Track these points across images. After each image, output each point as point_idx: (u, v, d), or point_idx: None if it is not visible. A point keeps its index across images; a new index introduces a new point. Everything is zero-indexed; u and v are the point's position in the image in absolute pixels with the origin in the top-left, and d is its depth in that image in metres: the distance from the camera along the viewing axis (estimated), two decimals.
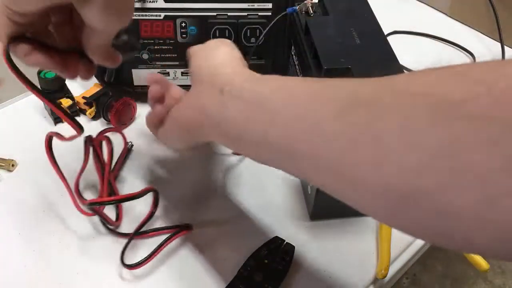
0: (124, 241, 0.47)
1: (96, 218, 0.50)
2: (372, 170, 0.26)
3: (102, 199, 0.49)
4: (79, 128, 0.41)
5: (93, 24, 0.33)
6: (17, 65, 0.36)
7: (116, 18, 0.33)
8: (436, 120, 0.23)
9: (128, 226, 0.49)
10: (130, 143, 0.57)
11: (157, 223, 0.49)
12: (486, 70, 0.23)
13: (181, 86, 0.61)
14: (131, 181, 0.54)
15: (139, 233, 0.48)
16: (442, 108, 0.23)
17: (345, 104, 0.28)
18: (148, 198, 0.52)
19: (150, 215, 0.48)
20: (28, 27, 0.35)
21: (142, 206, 0.51)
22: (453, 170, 0.22)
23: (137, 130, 0.60)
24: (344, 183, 0.28)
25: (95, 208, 0.46)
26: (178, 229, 0.48)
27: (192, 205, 0.52)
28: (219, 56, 0.39)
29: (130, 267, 0.45)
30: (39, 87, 0.40)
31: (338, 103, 0.29)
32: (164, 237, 0.47)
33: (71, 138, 0.42)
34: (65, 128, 0.59)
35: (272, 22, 0.53)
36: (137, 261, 0.45)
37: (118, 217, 0.49)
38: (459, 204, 0.22)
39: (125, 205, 0.51)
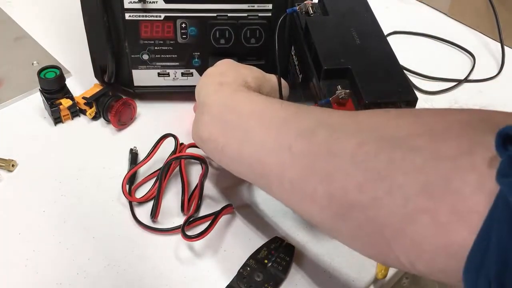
0: (124, 239, 0.48)
1: (97, 218, 0.50)
2: (323, 182, 0.31)
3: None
4: None
5: None
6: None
7: None
8: (382, 147, 0.28)
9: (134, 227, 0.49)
10: (135, 148, 0.56)
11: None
12: (432, 114, 0.29)
13: (181, 86, 0.62)
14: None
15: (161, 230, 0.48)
16: (389, 139, 0.28)
17: (312, 127, 0.34)
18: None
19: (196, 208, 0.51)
20: None
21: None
22: (385, 189, 0.27)
23: (137, 131, 0.60)
24: (301, 195, 0.33)
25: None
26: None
27: None
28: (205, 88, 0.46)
29: (191, 238, 0.45)
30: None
31: (305, 126, 0.34)
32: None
33: None
34: (66, 129, 0.60)
35: (277, 27, 0.53)
36: (196, 233, 0.46)
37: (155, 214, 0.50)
38: (386, 217, 0.27)
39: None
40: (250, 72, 0.47)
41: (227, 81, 0.45)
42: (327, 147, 0.32)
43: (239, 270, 0.45)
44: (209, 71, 0.48)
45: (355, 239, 0.31)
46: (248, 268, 0.45)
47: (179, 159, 0.53)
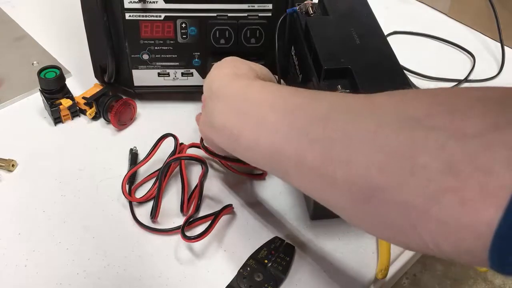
0: (124, 239, 0.48)
1: (97, 218, 0.50)
2: (342, 168, 0.30)
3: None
4: None
5: None
6: None
7: None
8: (402, 128, 0.28)
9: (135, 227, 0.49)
10: (134, 148, 0.57)
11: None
12: (450, 93, 0.28)
13: (181, 86, 0.62)
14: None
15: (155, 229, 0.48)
16: (408, 120, 0.28)
17: (326, 113, 0.33)
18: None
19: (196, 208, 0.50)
20: None
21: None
22: (407, 169, 0.26)
23: (137, 131, 0.60)
24: (321, 181, 0.32)
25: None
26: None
27: None
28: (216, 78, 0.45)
29: (190, 239, 0.45)
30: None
31: (319, 112, 0.34)
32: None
33: None
34: (66, 128, 0.60)
35: (277, 27, 0.52)
36: (196, 234, 0.46)
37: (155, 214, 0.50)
38: (410, 199, 0.26)
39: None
40: (259, 69, 0.48)
41: (242, 72, 0.45)
42: (344, 131, 0.31)
43: (239, 270, 0.45)
44: (220, 64, 0.47)
45: (379, 224, 0.30)
46: (248, 268, 0.45)
47: (179, 160, 0.53)
